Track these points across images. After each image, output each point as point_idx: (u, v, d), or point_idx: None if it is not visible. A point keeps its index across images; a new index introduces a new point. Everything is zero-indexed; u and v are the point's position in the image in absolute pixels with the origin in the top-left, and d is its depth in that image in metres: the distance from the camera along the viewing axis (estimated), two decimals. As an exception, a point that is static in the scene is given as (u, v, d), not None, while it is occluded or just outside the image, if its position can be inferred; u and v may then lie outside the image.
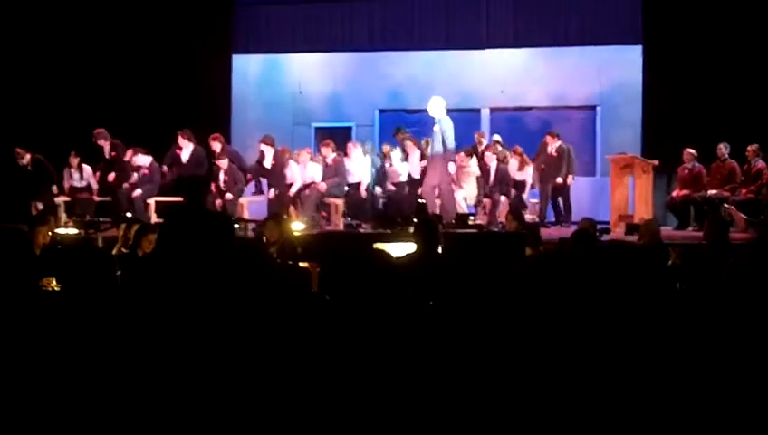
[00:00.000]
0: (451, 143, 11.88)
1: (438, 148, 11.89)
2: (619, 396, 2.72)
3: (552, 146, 13.86)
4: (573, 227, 13.00)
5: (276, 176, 13.18)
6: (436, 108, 11.91)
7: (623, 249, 3.61)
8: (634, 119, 14.80)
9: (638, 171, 12.68)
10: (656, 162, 12.78)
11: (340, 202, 13.12)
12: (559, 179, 13.64)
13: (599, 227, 9.81)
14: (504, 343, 3.14)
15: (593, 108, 16.48)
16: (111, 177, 13.76)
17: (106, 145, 13.93)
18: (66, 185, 14.00)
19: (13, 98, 15.07)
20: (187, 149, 13.26)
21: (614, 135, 15.65)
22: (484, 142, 14.57)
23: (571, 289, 3.05)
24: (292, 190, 13.18)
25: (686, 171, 12.95)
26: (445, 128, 11.83)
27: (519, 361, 2.95)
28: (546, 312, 3.03)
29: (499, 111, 16.72)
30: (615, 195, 12.92)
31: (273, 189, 13.12)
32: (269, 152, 13.28)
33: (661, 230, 9.39)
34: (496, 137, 15.12)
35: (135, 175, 13.34)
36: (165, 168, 13.46)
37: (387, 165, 13.95)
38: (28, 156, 13.70)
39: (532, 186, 14.17)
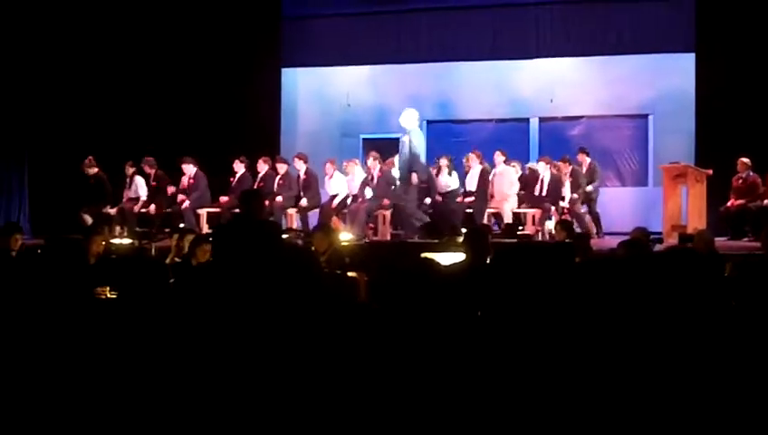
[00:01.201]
0: (421, 155, 12.00)
1: (405, 160, 11.98)
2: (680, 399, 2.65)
3: (585, 164, 13.81)
4: (606, 238, 12.94)
5: (307, 189, 13.61)
6: (408, 120, 12.02)
7: (686, 254, 3.52)
8: (687, 127, 14.54)
9: (691, 181, 12.44)
10: (709, 171, 12.54)
11: (387, 212, 13.11)
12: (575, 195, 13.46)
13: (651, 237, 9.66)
14: (556, 351, 3.07)
15: (645, 116, 16.26)
16: (171, 189, 14.10)
17: (151, 173, 14.20)
18: (125, 195, 14.23)
19: (77, 110, 15.35)
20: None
21: (667, 144, 15.40)
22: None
23: (629, 293, 2.99)
24: (336, 202, 13.29)
25: (741, 181, 12.73)
26: (414, 140, 11.90)
27: (569, 367, 2.89)
28: (602, 316, 2.96)
29: (548, 121, 16.58)
30: (668, 205, 12.72)
31: (304, 200, 13.52)
32: (302, 167, 13.67)
33: (715, 241, 9.20)
34: None
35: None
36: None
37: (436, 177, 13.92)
38: (95, 169, 13.95)
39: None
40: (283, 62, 16.33)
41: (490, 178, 13.62)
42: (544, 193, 13.37)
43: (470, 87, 16.51)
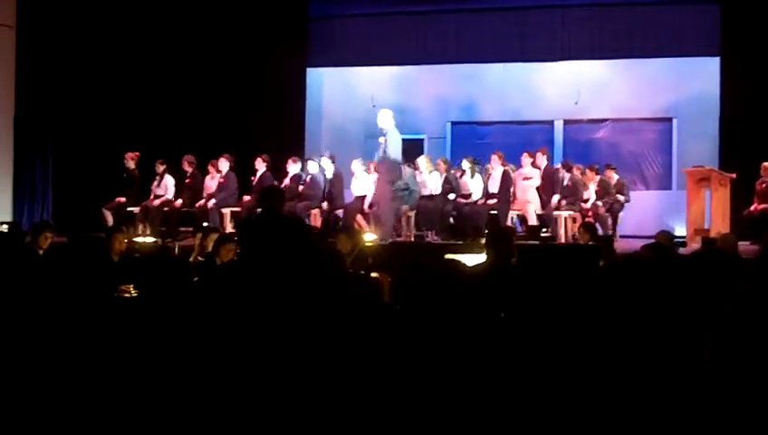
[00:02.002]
0: (394, 156, 12.08)
1: (381, 160, 12.13)
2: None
3: (613, 180, 13.89)
4: (629, 241, 12.90)
5: (333, 190, 13.74)
6: (385, 120, 12.08)
7: (716, 256, 3.55)
8: (711, 131, 14.51)
9: (714, 184, 12.42)
10: (733, 175, 12.52)
11: (411, 213, 13.16)
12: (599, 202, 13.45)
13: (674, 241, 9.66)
14: (579, 353, 3.11)
15: (669, 120, 16.22)
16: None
17: (189, 171, 14.24)
18: (152, 193, 14.29)
19: (102, 108, 15.49)
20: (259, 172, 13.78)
21: (690, 147, 15.34)
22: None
23: (656, 296, 3.01)
24: (367, 203, 13.36)
25: (765, 185, 12.70)
26: (390, 140, 11.95)
27: (592, 369, 2.93)
28: (627, 319, 3.00)
29: (573, 124, 16.57)
30: (691, 209, 12.69)
31: (326, 203, 13.63)
32: (330, 168, 13.80)
33: (739, 245, 9.20)
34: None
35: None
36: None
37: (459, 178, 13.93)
38: (132, 164, 13.95)
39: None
40: (308, 62, 16.41)
41: (517, 180, 13.59)
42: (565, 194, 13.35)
43: (495, 89, 16.52)
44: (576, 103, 16.25)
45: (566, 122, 16.61)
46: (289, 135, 15.39)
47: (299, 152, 14.71)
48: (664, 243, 7.98)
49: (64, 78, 15.49)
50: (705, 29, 14.78)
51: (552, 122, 16.64)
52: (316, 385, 3.11)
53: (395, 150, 12.09)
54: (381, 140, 12.11)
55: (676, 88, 15.83)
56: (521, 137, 16.25)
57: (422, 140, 16.94)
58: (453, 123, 17.13)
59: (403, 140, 15.80)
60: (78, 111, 15.55)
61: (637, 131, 16.20)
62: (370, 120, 17.09)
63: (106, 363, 3.59)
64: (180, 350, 3.63)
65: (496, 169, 13.63)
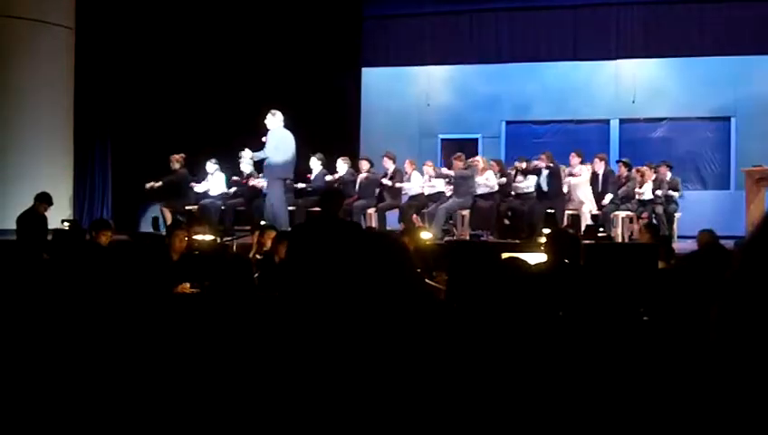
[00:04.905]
0: (280, 156, 12.16)
1: (271, 160, 12.20)
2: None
3: (666, 178, 13.70)
4: (687, 242, 12.73)
5: (392, 189, 13.71)
6: (272, 121, 12.23)
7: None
8: (771, 130, 14.36)
9: (774, 184, 12.28)
10: (793, 174, 12.36)
11: (466, 213, 13.16)
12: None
13: (735, 241, 9.52)
14: (645, 350, 3.11)
15: (727, 119, 16.02)
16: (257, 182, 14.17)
17: (246, 170, 14.34)
18: (204, 192, 14.40)
19: (160, 108, 15.70)
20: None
21: (749, 147, 15.13)
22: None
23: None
24: (415, 202, 13.39)
25: (825, 184, 12.50)
26: (276, 140, 11.93)
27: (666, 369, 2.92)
28: (688, 318, 2.99)
29: (629, 123, 16.44)
30: (750, 209, 12.53)
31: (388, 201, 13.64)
32: (391, 167, 13.76)
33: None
34: None
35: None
36: None
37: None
38: (178, 165, 14.10)
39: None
40: (363, 61, 16.48)
41: (565, 179, 13.52)
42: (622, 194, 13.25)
43: (550, 88, 16.46)
44: (633, 102, 16.12)
45: (622, 121, 16.49)
46: (344, 134, 15.48)
47: (354, 151, 14.76)
48: (710, 240, 7.91)
49: (122, 78, 15.70)
50: (764, 26, 14.58)
51: (607, 121, 16.53)
52: (369, 381, 3.12)
53: (284, 151, 12.16)
54: (264, 139, 12.23)
55: (734, 86, 15.64)
56: (576, 136, 16.17)
57: (476, 139, 16.93)
58: (507, 123, 17.09)
59: (456, 139, 15.83)
60: (136, 111, 15.75)
61: (694, 131, 16.03)
62: (424, 119, 17.17)
63: (163, 361, 3.63)
64: (244, 346, 3.67)
65: (545, 168, 13.53)
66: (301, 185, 13.82)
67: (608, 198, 13.18)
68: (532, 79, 16.68)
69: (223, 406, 3.25)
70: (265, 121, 12.31)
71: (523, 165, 13.66)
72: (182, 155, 14.17)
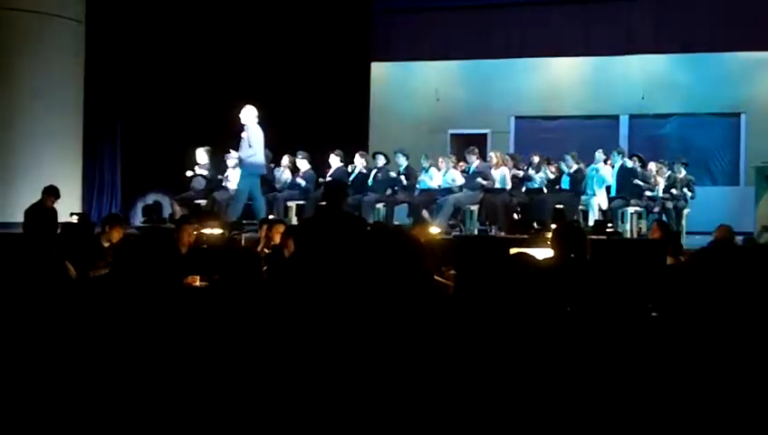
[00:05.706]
0: (254, 152, 12.14)
1: (245, 155, 12.21)
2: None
3: (681, 175, 13.65)
4: (696, 238, 12.70)
5: (406, 185, 13.63)
6: (248, 116, 12.15)
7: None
8: (781, 127, 14.31)
9: (784, 180, 12.25)
10: (803, 171, 12.33)
11: (474, 207, 13.13)
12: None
13: (744, 237, 9.52)
14: (652, 347, 3.10)
15: (737, 115, 15.98)
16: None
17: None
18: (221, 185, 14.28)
19: (170, 101, 15.69)
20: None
21: (760, 143, 15.09)
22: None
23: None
24: (426, 196, 13.34)
25: (835, 181, 12.46)
26: (251, 136, 11.91)
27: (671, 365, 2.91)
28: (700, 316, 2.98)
29: (638, 118, 16.40)
30: (760, 205, 12.51)
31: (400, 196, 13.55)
32: (404, 163, 13.67)
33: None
34: None
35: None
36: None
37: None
38: (206, 158, 14.04)
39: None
40: (372, 56, 16.46)
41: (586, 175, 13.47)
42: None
43: (559, 83, 16.43)
44: (642, 98, 16.07)
45: (632, 117, 16.46)
46: (353, 129, 15.44)
47: (363, 146, 14.73)
48: (727, 236, 7.87)
49: (132, 71, 15.70)
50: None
51: (617, 117, 16.50)
52: (385, 379, 3.12)
53: (256, 147, 12.18)
54: (244, 135, 12.19)
55: (745, 83, 15.60)
56: (585, 131, 16.14)
57: (485, 134, 16.90)
58: (517, 117, 17.06)
59: (466, 134, 15.81)
60: (146, 103, 15.75)
61: (704, 126, 15.99)
62: (434, 115, 17.15)
63: (173, 353, 3.63)
64: (252, 340, 3.66)
65: (573, 167, 13.46)
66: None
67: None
68: (542, 74, 16.65)
69: (231, 399, 3.25)
70: (241, 115, 12.28)
71: (552, 168, 13.61)
72: (209, 148, 14.08)
